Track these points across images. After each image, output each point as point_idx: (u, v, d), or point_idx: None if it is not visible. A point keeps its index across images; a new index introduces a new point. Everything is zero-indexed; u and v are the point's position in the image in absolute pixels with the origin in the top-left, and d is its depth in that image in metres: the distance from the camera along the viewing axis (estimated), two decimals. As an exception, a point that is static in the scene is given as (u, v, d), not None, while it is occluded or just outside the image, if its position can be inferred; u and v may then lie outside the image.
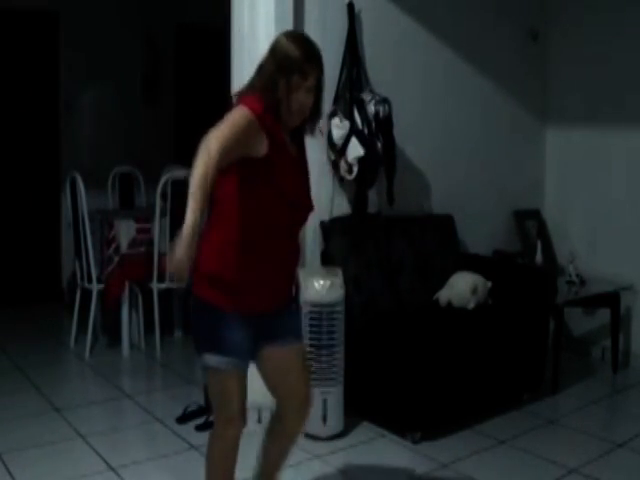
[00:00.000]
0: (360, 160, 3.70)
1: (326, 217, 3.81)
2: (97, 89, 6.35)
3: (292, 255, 2.36)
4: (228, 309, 2.20)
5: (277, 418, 2.49)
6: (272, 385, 2.45)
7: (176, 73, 6.86)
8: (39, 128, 6.22)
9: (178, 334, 5.23)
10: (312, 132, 2.33)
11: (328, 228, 3.78)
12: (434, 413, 3.54)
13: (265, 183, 2.15)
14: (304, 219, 2.37)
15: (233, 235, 2.17)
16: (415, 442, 3.46)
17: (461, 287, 3.84)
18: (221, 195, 2.15)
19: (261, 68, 2.22)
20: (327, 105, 3.75)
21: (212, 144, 1.94)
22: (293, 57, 2.15)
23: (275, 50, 2.20)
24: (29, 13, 6.00)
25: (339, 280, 3.44)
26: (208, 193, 1.92)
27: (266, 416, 3.08)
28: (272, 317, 2.33)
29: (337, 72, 3.81)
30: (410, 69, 4.25)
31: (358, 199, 3.90)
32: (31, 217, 6.18)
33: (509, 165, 4.91)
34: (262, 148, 2.10)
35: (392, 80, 4.06)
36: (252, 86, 2.22)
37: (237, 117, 2.05)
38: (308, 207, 2.33)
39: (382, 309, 3.75)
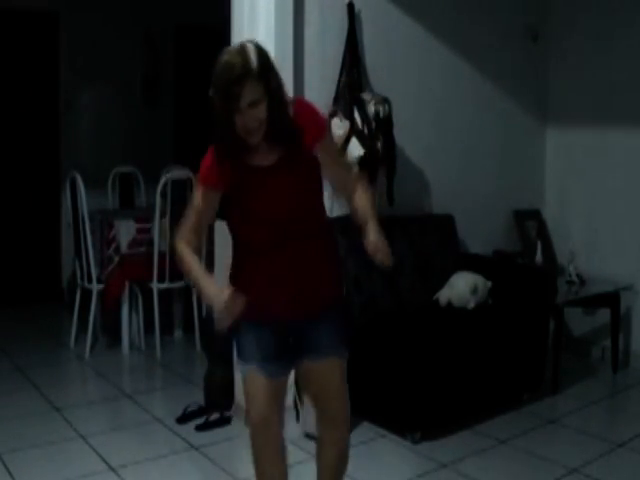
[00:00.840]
0: (360, 160, 3.70)
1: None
2: (97, 89, 6.35)
3: (304, 262, 2.19)
4: (244, 317, 2.20)
5: (317, 431, 2.46)
6: (310, 398, 2.46)
7: (176, 73, 6.86)
8: (39, 128, 6.22)
9: (178, 334, 5.23)
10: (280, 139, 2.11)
11: (328, 228, 3.78)
12: (434, 413, 3.54)
13: (236, 205, 2.18)
14: (302, 224, 2.17)
15: (234, 249, 2.24)
16: (415, 442, 3.46)
17: (461, 287, 3.84)
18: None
19: None
20: (327, 105, 3.77)
21: (177, 236, 2.22)
22: (219, 80, 1.97)
23: (214, 69, 2.01)
24: (29, 13, 6.00)
25: (339, 280, 3.44)
26: (191, 263, 2.18)
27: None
28: (304, 326, 2.24)
29: (337, 72, 3.81)
30: (410, 69, 4.25)
31: (358, 199, 3.90)
32: (31, 217, 6.18)
33: (509, 165, 4.91)
34: (220, 192, 2.18)
35: (392, 80, 4.06)
36: None
37: (194, 195, 2.24)
38: (297, 213, 2.15)
39: (382, 309, 3.75)
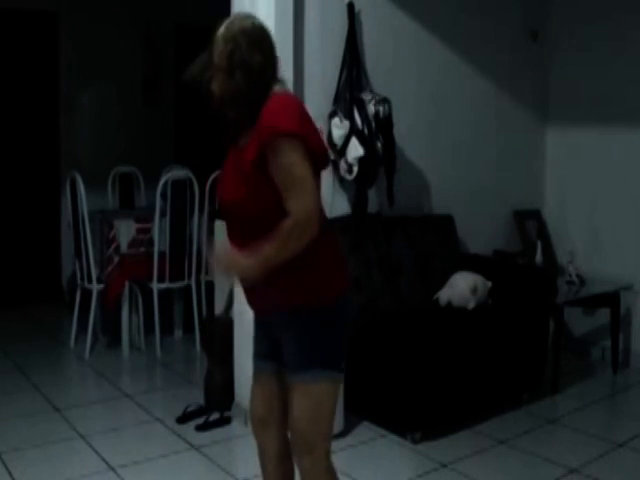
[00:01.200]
0: (360, 160, 3.70)
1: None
2: (97, 89, 6.35)
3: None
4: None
5: None
6: None
7: (176, 73, 6.85)
8: (39, 128, 6.22)
9: (178, 334, 5.23)
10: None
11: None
12: (434, 413, 3.54)
13: None
14: (253, 220, 1.98)
15: None
16: (415, 442, 3.46)
17: (461, 287, 3.84)
18: None
19: None
20: (327, 105, 3.77)
21: None
22: None
23: None
24: (29, 13, 6.00)
25: (339, 280, 3.44)
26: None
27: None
28: (273, 325, 2.13)
29: (337, 72, 3.81)
30: (410, 69, 4.25)
31: (358, 199, 3.90)
32: (31, 217, 6.18)
33: (509, 165, 4.91)
34: None
35: (392, 80, 4.06)
36: None
37: None
38: (230, 204, 2.01)
39: (382, 309, 3.75)
